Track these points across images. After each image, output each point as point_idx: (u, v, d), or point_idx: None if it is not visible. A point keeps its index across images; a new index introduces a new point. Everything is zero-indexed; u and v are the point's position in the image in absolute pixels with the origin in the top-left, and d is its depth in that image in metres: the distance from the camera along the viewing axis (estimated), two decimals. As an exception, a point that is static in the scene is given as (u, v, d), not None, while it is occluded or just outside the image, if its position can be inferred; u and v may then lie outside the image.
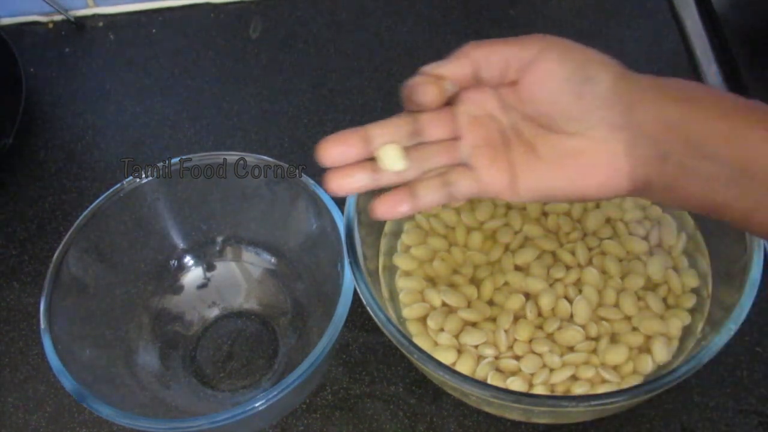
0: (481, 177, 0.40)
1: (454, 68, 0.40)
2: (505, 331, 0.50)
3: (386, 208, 0.40)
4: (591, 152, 0.38)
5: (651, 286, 0.52)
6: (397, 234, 0.56)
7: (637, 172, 0.38)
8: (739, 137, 0.35)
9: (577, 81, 0.37)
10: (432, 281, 0.54)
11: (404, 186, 0.40)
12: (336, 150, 0.38)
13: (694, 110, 0.36)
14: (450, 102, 0.41)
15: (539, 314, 0.51)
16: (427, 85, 0.39)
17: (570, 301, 0.51)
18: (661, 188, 0.38)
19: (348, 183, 0.39)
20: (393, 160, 0.39)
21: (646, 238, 0.53)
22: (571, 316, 0.51)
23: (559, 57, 0.37)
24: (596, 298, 0.51)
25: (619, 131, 0.38)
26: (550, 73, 0.37)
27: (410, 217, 0.56)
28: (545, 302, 0.51)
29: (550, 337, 0.50)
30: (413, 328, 0.52)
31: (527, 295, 0.52)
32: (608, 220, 0.54)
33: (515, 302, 0.51)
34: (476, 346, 0.50)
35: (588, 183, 0.39)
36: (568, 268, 0.52)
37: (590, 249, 0.53)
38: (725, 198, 0.36)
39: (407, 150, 0.40)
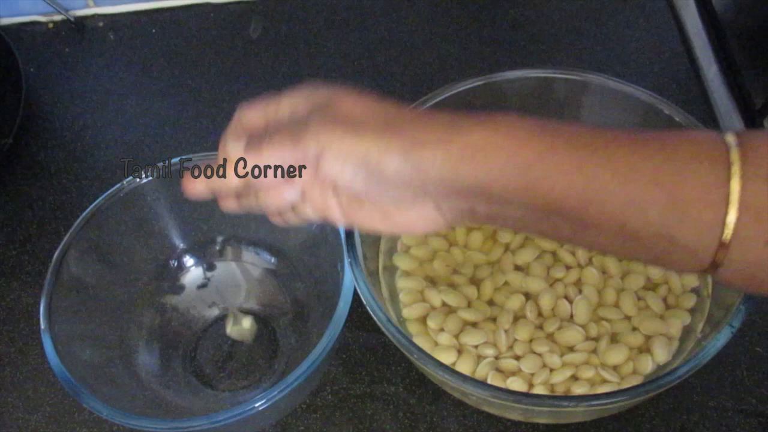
0: (322, 210, 0.41)
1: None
2: (505, 331, 0.50)
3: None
4: (405, 213, 0.39)
5: (651, 286, 0.52)
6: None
7: (453, 219, 0.39)
8: (530, 184, 0.35)
9: (363, 176, 0.37)
10: (432, 281, 0.54)
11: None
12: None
13: (483, 167, 0.35)
14: None
15: (539, 314, 0.51)
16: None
17: (570, 301, 0.51)
18: (484, 223, 0.39)
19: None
20: None
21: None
22: (571, 316, 0.51)
23: (338, 156, 0.37)
24: (596, 298, 0.51)
25: (422, 199, 0.38)
26: (338, 173, 0.38)
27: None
28: (545, 302, 0.51)
29: (550, 337, 0.50)
30: (413, 328, 0.52)
31: (527, 295, 0.52)
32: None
33: (515, 302, 0.51)
34: (476, 346, 0.50)
35: (413, 229, 0.40)
36: (568, 268, 0.52)
37: (590, 249, 0.53)
38: (544, 230, 0.37)
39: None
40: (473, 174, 0.35)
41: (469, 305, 0.52)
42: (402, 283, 0.54)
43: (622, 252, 0.38)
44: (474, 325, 0.51)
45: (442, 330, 0.51)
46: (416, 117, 0.38)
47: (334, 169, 0.38)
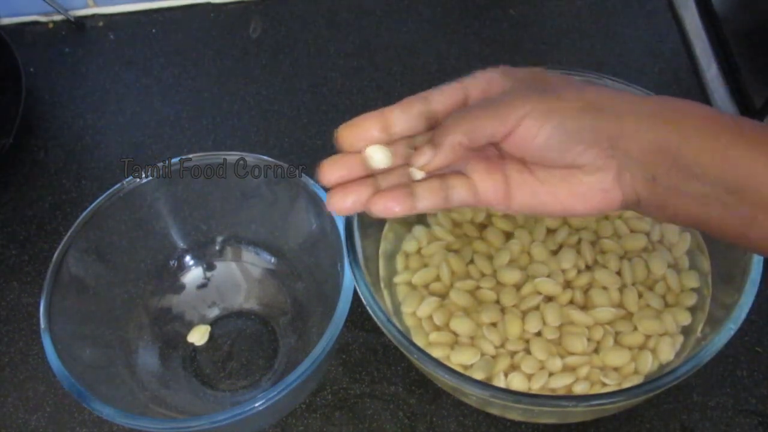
0: (477, 187, 0.40)
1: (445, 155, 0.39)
2: (507, 332, 0.50)
3: (383, 206, 0.39)
4: (583, 179, 0.39)
5: (650, 283, 0.52)
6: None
7: (628, 193, 0.39)
8: (726, 157, 0.35)
9: (558, 138, 0.37)
10: (435, 282, 0.53)
11: (403, 186, 0.40)
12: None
13: (680, 132, 0.36)
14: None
15: (544, 317, 0.51)
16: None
17: (577, 304, 0.51)
18: (653, 206, 0.39)
19: (347, 201, 0.39)
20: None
21: (647, 234, 0.53)
22: (579, 318, 0.50)
23: (539, 117, 0.37)
24: (606, 301, 0.51)
25: (608, 159, 0.38)
26: (534, 135, 0.38)
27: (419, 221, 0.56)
28: (552, 307, 0.51)
29: (553, 339, 0.50)
30: (413, 328, 0.52)
31: (533, 296, 0.52)
32: (607, 217, 0.54)
33: (513, 300, 0.51)
34: (477, 347, 0.50)
35: (580, 204, 0.39)
36: (579, 271, 0.52)
37: (592, 243, 0.53)
38: (719, 216, 0.37)
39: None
40: (671, 135, 0.36)
41: (472, 305, 0.52)
42: (402, 286, 0.54)
43: None
44: (475, 325, 0.51)
45: (442, 330, 0.51)
46: (614, 90, 0.39)
47: (531, 131, 0.37)
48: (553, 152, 0.38)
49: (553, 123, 0.37)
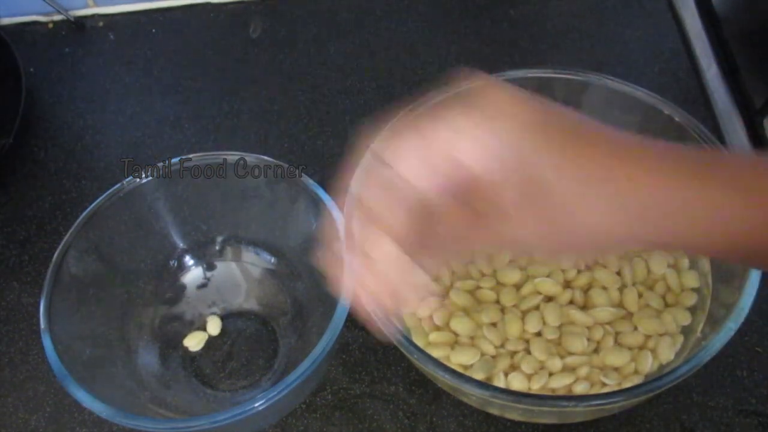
0: None
1: None
2: (507, 332, 0.50)
3: None
4: None
5: (650, 283, 0.52)
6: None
7: None
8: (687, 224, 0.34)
9: None
10: (434, 280, 0.53)
11: None
12: None
13: (656, 227, 0.34)
14: None
15: (544, 317, 0.51)
16: None
17: (576, 304, 0.51)
18: None
19: None
20: None
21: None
22: (579, 318, 0.50)
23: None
24: (606, 301, 0.51)
25: None
26: None
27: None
28: (552, 307, 0.51)
29: (553, 339, 0.50)
30: (413, 328, 0.52)
31: (533, 296, 0.52)
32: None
33: (513, 300, 0.51)
34: (477, 347, 0.50)
35: None
36: (578, 271, 0.52)
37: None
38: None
39: None
40: (647, 232, 0.34)
41: (472, 305, 0.52)
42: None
43: None
44: (475, 325, 0.51)
45: (442, 330, 0.51)
46: (566, 187, 0.33)
47: None
48: None
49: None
